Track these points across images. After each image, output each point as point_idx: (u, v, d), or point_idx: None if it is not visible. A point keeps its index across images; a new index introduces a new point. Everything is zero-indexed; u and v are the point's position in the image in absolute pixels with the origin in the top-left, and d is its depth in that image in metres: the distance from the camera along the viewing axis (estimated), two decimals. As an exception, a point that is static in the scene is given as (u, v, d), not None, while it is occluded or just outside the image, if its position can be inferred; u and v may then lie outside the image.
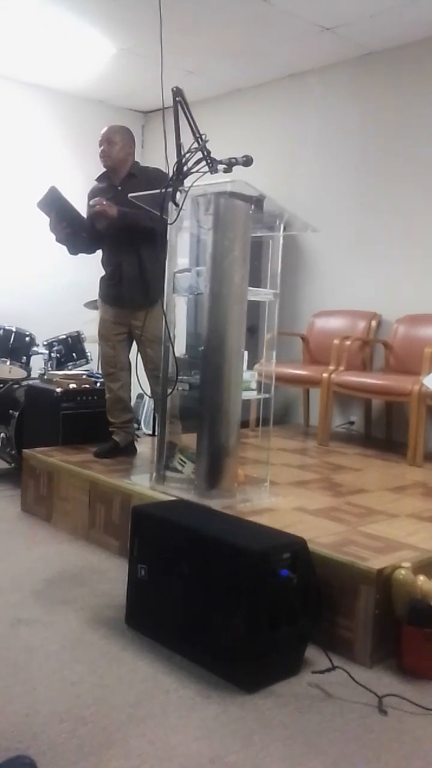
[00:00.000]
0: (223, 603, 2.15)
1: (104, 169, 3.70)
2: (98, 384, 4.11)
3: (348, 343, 4.62)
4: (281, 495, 3.19)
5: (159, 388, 3.54)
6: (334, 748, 1.82)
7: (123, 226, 3.53)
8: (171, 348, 3.16)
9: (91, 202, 3.56)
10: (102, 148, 3.61)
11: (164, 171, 3.57)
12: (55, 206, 3.54)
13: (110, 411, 3.79)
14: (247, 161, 3.03)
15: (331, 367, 4.54)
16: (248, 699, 2.02)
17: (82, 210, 3.68)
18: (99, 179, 3.76)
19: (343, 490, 3.37)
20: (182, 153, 3.04)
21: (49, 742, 1.78)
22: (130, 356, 3.81)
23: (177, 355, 3.26)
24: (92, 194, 3.72)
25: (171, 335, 3.16)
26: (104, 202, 3.50)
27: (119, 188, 3.63)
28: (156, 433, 3.48)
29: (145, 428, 5.71)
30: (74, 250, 3.76)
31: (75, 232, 3.63)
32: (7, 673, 2.11)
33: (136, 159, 3.74)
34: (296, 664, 2.19)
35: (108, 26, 4.73)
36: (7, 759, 1.67)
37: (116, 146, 3.61)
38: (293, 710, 1.98)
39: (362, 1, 4.16)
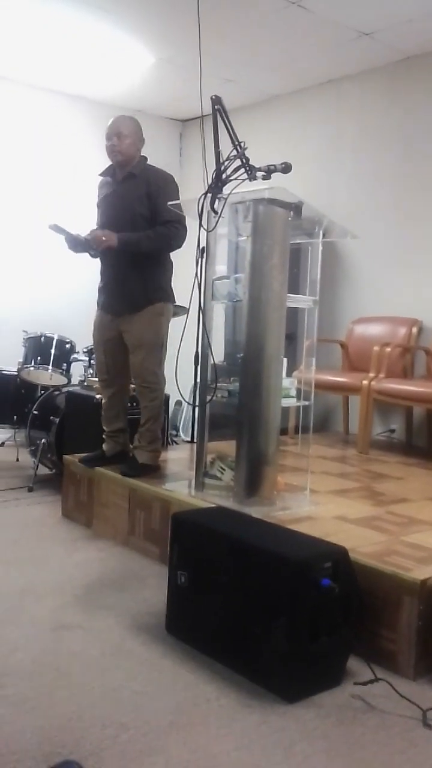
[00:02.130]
0: (263, 611, 2.14)
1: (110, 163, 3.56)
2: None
3: (388, 349, 4.56)
4: (321, 503, 3.16)
5: (146, 401, 3.54)
6: (377, 762, 1.79)
7: (125, 251, 3.44)
8: (210, 355, 3.17)
9: (89, 234, 3.45)
10: (111, 142, 3.46)
11: (171, 175, 3.53)
12: (62, 233, 3.58)
13: (102, 418, 3.74)
14: (286, 168, 3.01)
15: (371, 375, 4.49)
16: (289, 709, 2.01)
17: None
18: (104, 173, 3.64)
19: (384, 499, 3.33)
20: (221, 161, 3.05)
21: (91, 747, 1.78)
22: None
23: (216, 362, 3.28)
24: (99, 189, 3.65)
25: (209, 342, 3.17)
26: (103, 237, 3.40)
27: (118, 185, 3.54)
28: (195, 440, 3.48)
29: (184, 435, 5.74)
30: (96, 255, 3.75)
31: (86, 251, 3.64)
32: (50, 677, 2.12)
33: (143, 155, 3.56)
34: (338, 674, 2.16)
35: (147, 37, 4.78)
36: (57, 764, 1.69)
37: (127, 140, 3.44)
38: (335, 721, 1.96)
39: (400, 6, 4.14)
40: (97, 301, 3.69)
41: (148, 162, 3.58)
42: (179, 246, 3.49)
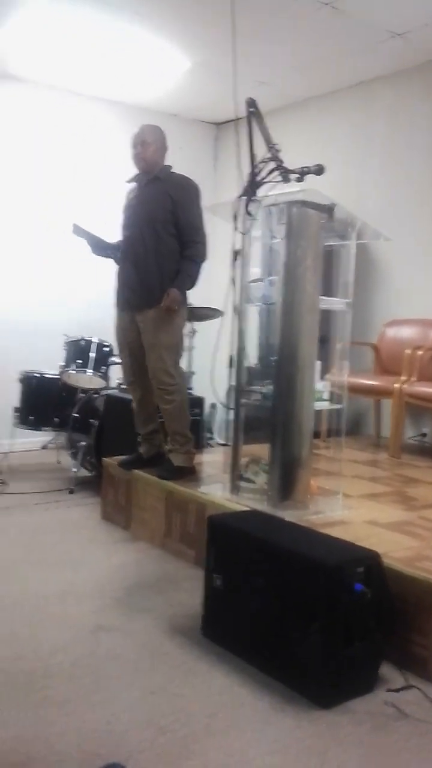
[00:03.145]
0: (297, 616, 2.17)
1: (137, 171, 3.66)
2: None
3: (420, 353, 4.52)
4: (353, 507, 3.17)
5: (163, 404, 3.57)
6: (410, 768, 1.81)
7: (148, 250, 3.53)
8: (243, 357, 3.19)
9: (163, 306, 3.46)
10: (136, 150, 3.57)
11: (193, 181, 3.60)
12: (84, 237, 3.66)
13: (135, 421, 3.77)
14: (319, 170, 3.01)
15: (403, 378, 4.46)
16: (323, 715, 2.03)
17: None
18: (131, 180, 3.72)
19: (416, 504, 3.32)
20: (255, 163, 3.07)
21: (130, 750, 1.83)
22: None
23: (251, 364, 3.30)
24: (126, 195, 3.73)
25: (243, 345, 3.19)
26: (170, 304, 3.46)
27: (142, 190, 3.62)
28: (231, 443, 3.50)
29: (219, 438, 5.75)
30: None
31: (108, 255, 3.76)
32: (89, 679, 2.18)
33: (167, 163, 3.65)
34: (371, 680, 2.18)
35: (183, 41, 4.81)
36: (103, 766, 1.73)
37: (150, 147, 3.56)
38: (369, 728, 1.98)
39: (433, 5, 4.10)
40: (115, 303, 3.73)
41: (172, 170, 3.64)
42: (206, 257, 3.58)
